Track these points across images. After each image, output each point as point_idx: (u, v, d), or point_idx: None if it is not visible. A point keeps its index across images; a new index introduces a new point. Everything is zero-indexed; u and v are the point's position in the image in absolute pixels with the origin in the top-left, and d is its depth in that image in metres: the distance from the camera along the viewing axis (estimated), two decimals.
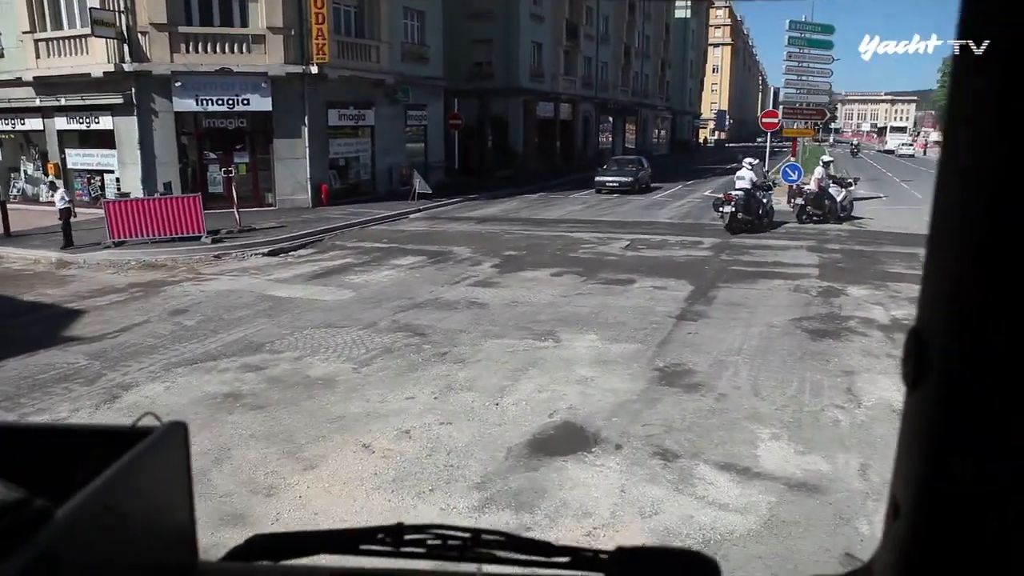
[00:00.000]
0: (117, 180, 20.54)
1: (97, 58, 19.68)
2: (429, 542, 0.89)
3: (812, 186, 19.16)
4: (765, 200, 17.90)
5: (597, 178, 28.29)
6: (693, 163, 48.94)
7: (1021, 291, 0.54)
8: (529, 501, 4.81)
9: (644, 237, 16.67)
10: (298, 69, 20.68)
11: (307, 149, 21.53)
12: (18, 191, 23.40)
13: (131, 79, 19.53)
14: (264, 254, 14.73)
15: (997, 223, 0.54)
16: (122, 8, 19.21)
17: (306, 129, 21.37)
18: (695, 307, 10.08)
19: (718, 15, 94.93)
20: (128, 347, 8.40)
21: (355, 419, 6.21)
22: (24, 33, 20.81)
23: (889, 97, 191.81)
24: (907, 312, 9.76)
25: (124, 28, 19.27)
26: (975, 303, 0.56)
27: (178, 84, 19.71)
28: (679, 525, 4.50)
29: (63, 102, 20.76)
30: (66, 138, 21.69)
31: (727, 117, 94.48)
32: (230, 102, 20.32)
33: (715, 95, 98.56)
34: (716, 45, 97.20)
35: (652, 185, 29.98)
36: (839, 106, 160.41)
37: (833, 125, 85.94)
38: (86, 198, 21.02)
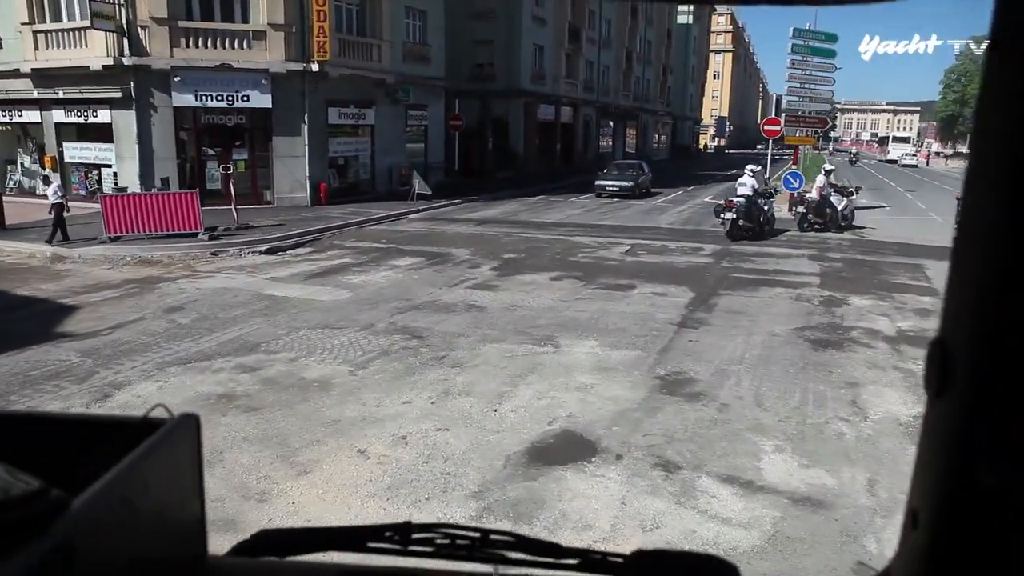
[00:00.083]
0: (114, 174, 20.44)
1: (96, 51, 19.56)
2: (437, 541, 0.88)
3: (813, 194, 19.14)
4: (766, 207, 17.87)
5: (597, 182, 28.24)
6: (693, 169, 48.98)
7: None
8: (527, 512, 4.70)
9: (644, 242, 16.58)
10: (299, 66, 20.56)
11: (306, 147, 21.41)
12: (15, 184, 23.26)
13: (130, 73, 19.40)
14: (261, 252, 14.61)
15: None
16: (122, 1, 19.08)
17: (306, 127, 21.26)
18: (696, 314, 9.98)
19: (720, 21, 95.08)
20: (121, 345, 8.28)
21: (350, 423, 6.10)
22: (23, 24, 20.66)
23: (891, 107, 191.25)
24: (913, 324, 9.67)
25: (124, 21, 19.16)
26: (1003, 312, 0.55)
27: (177, 79, 19.56)
28: (681, 540, 4.39)
29: (61, 95, 20.63)
30: (64, 131, 21.58)
31: (727, 123, 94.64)
32: (230, 98, 20.19)
33: (716, 101, 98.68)
34: (718, 51, 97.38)
35: (652, 190, 29.97)
36: (838, 115, 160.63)
37: (832, 134, 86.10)
38: (83, 192, 20.87)
